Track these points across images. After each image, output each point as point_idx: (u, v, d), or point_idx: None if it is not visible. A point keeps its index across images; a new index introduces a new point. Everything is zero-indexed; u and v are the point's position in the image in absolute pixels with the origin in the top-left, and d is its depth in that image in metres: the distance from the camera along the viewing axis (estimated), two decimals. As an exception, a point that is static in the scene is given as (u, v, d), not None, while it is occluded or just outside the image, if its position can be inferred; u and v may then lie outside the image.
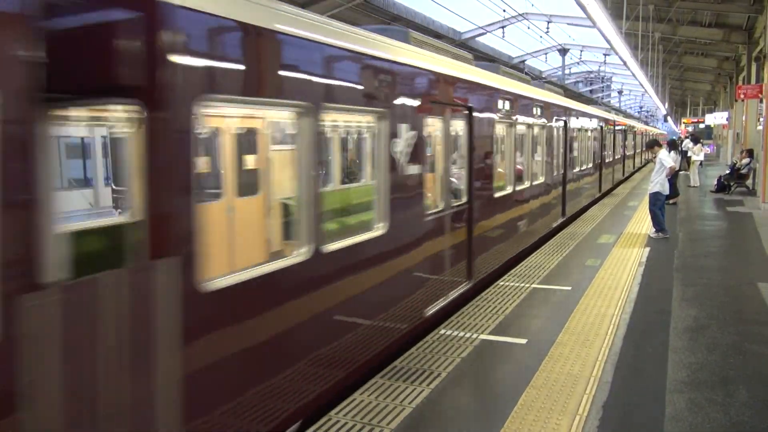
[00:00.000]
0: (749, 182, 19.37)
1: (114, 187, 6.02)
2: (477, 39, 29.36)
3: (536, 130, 10.96)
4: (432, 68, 6.51)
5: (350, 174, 7.54)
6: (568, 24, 30.91)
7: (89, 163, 6.61)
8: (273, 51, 4.08)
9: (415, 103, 6.00)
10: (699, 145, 23.35)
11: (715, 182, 19.89)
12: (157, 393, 3.15)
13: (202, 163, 5.26)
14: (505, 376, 5.05)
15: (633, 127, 31.35)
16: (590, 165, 16.98)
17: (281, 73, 4.16)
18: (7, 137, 2.54)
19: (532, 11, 28.19)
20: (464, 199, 7.34)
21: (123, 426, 2.97)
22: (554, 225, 12.59)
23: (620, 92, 59.43)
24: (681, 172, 20.29)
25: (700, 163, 24.00)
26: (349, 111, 5.26)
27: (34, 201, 2.65)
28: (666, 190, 11.26)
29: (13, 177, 2.56)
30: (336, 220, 5.15)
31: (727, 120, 32.46)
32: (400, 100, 5.67)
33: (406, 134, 5.72)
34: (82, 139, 6.66)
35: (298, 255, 4.23)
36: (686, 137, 29.36)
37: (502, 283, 7.87)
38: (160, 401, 3.17)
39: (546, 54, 37.70)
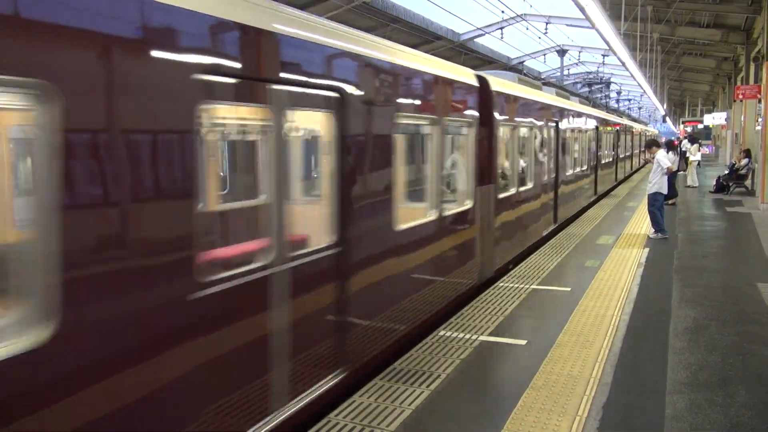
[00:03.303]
0: (748, 182, 19.39)
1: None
2: (476, 40, 29.39)
3: (607, 135, 19.80)
4: (552, 102, 12.36)
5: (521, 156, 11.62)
6: (566, 25, 30.95)
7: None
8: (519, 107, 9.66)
9: (543, 121, 11.39)
10: (696, 146, 23.41)
11: (714, 183, 19.92)
12: None
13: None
14: (505, 378, 5.05)
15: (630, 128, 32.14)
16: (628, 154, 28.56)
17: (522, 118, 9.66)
18: None
19: (530, 12, 28.22)
20: (553, 175, 12.41)
21: None
22: (620, 178, 24.25)
23: (619, 93, 59.45)
24: (680, 173, 20.31)
25: (698, 163, 24.06)
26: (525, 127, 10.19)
27: None
28: (665, 191, 11.26)
29: None
30: (518, 179, 9.74)
31: (725, 120, 32.47)
32: (541, 119, 11.23)
33: (539, 138, 11.17)
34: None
35: (513, 188, 9.30)
36: (684, 137, 29.39)
37: (501, 284, 7.87)
38: None
39: (545, 55, 37.69)
